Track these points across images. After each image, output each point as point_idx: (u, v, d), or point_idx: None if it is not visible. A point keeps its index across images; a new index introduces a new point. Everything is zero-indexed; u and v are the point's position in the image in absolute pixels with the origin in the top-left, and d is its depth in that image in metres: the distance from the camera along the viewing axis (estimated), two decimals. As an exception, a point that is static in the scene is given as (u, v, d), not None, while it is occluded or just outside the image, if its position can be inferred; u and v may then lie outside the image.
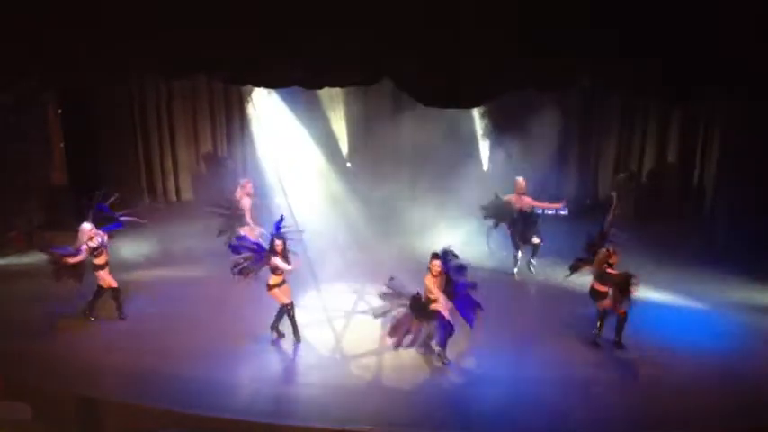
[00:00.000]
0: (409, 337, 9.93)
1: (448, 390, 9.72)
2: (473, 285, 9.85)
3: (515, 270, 13.47)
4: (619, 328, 10.46)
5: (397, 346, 9.94)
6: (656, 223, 15.18)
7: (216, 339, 10.81)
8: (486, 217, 13.57)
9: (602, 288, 10.40)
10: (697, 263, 13.61)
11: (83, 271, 11.27)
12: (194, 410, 8.72)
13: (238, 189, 13.75)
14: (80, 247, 10.97)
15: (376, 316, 10.22)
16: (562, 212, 14.52)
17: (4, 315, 11.61)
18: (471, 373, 10.08)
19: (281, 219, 10.84)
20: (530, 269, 13.42)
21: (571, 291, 11.80)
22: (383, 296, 10.10)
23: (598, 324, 10.61)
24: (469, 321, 9.83)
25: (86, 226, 11.02)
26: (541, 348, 10.64)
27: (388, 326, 10.04)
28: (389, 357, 10.28)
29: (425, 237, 13.87)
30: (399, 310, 9.96)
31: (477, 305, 9.82)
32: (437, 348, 10.12)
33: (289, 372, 10.21)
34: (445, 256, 9.81)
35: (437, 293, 9.63)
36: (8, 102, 14.28)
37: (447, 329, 9.84)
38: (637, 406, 9.14)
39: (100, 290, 11.43)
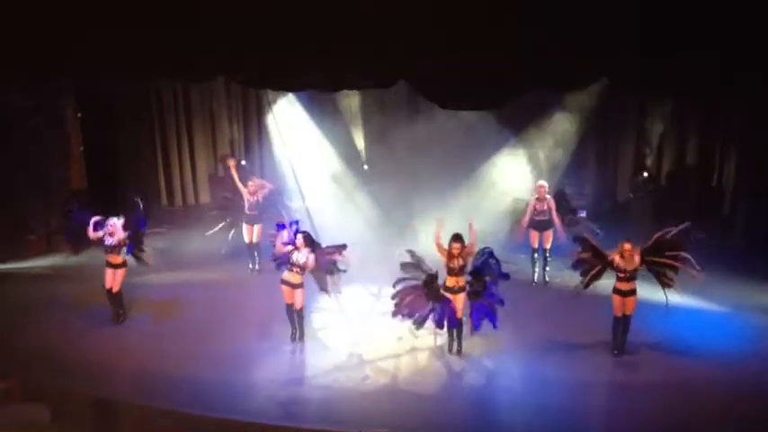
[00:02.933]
0: (409, 310, 10.14)
1: (465, 394, 9.68)
2: (501, 301, 10.16)
3: (535, 278, 13.31)
4: (623, 334, 10.33)
5: (396, 314, 10.19)
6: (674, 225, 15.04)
7: (232, 342, 10.82)
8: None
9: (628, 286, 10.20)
10: (716, 265, 13.46)
11: (81, 247, 11.64)
12: (210, 413, 8.72)
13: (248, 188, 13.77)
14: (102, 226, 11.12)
15: (394, 285, 10.31)
16: (581, 215, 14.32)
17: (22, 318, 11.70)
18: (489, 376, 10.02)
19: (297, 222, 10.96)
20: (545, 282, 13.27)
21: (590, 294, 11.72)
22: (403, 265, 10.27)
23: (614, 333, 10.44)
24: (493, 322, 10.12)
25: (116, 220, 11.12)
26: (559, 352, 10.55)
27: (396, 292, 10.23)
28: (406, 360, 10.29)
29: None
30: (412, 282, 10.16)
31: (500, 302, 10.11)
32: (449, 338, 10.38)
33: (305, 375, 10.19)
34: (486, 255, 10.10)
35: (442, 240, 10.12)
36: (28, 105, 14.44)
37: (446, 316, 10.09)
38: (656, 409, 9.04)
39: (110, 292, 11.35)
